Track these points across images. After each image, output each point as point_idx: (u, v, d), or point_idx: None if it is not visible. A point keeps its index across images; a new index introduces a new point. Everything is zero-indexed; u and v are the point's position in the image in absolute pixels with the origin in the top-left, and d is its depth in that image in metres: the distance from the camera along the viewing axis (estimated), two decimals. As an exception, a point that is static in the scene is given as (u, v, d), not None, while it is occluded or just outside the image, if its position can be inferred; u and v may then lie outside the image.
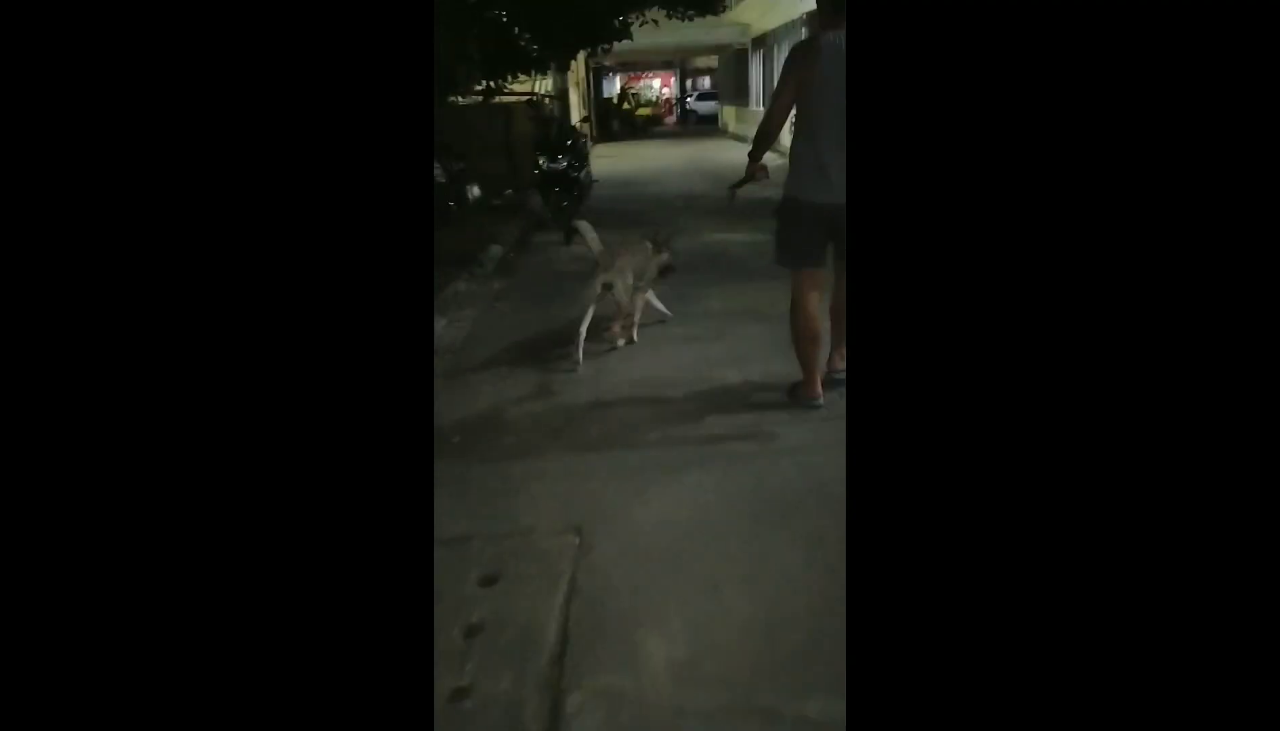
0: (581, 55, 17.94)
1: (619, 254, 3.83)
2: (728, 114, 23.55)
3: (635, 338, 3.96)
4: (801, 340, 2.97)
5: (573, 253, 5.20)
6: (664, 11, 9.85)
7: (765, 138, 2.90)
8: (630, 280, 3.77)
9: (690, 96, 26.99)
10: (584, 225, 3.99)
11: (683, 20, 10.84)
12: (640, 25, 9.95)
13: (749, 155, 2.99)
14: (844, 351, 3.08)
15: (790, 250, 2.92)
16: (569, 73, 18.68)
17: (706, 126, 24.36)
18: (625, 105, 23.69)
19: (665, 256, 4.12)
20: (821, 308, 2.95)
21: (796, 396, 3.04)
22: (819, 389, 2.98)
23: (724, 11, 12.56)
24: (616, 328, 3.92)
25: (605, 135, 21.67)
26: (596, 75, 22.28)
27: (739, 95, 21.74)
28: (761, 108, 18.43)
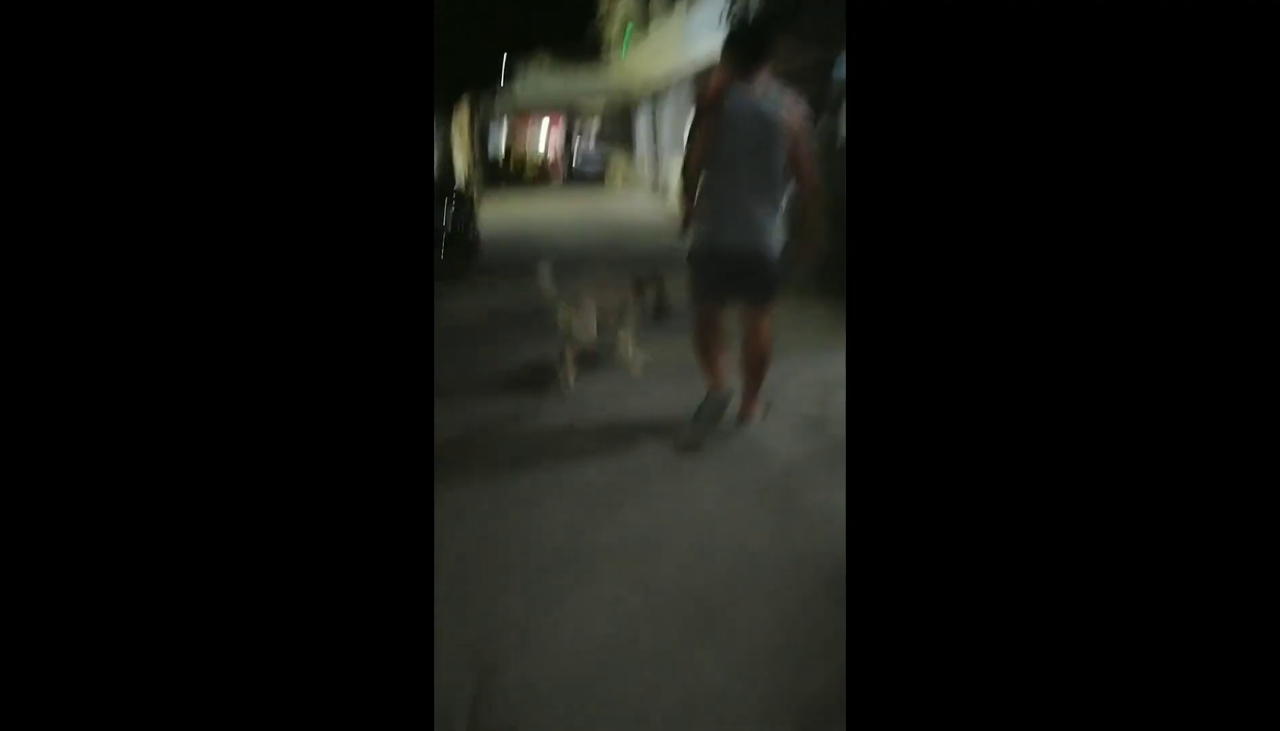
0: (465, 106, 17.41)
1: (584, 294, 3.95)
2: (615, 166, 23.35)
3: (639, 371, 4.02)
4: (706, 354, 3.26)
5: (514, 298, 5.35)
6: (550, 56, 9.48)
7: (688, 186, 3.06)
8: (592, 319, 3.85)
9: (577, 145, 26.66)
10: (542, 265, 4.04)
11: (568, 66, 10.48)
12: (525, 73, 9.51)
13: (681, 220, 3.18)
14: (754, 401, 3.30)
15: (700, 287, 3.14)
16: (452, 125, 18.26)
17: (594, 181, 24.05)
18: (511, 167, 23.16)
19: (652, 295, 4.10)
20: (719, 339, 3.24)
21: (710, 405, 3.23)
22: (724, 382, 3.26)
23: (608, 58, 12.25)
24: (568, 368, 3.90)
25: (492, 184, 20.97)
26: (483, 126, 21.59)
27: (627, 147, 21.55)
28: (648, 160, 18.33)
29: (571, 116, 28.81)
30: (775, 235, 2.98)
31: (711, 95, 2.90)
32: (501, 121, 27.13)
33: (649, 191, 17.10)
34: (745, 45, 2.92)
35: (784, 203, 3.00)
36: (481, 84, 9.30)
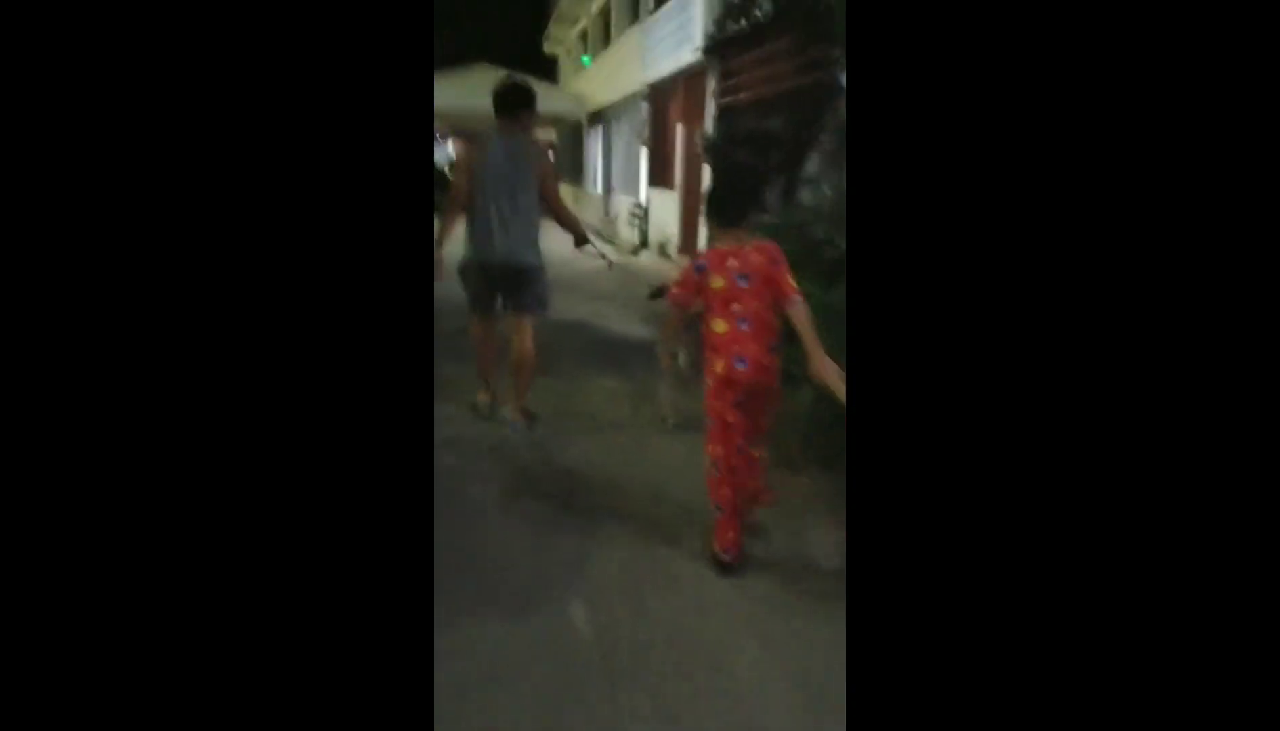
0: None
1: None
2: (565, 195, 22.15)
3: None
4: (483, 361, 3.93)
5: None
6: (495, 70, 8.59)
7: (445, 227, 3.61)
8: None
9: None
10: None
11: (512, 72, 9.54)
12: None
13: (435, 243, 3.55)
14: (519, 406, 3.86)
15: (471, 296, 3.71)
16: None
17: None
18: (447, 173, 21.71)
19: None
20: (493, 343, 3.88)
21: (480, 409, 3.98)
22: (494, 397, 3.99)
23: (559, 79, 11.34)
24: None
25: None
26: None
27: (575, 174, 20.46)
28: (599, 189, 17.28)
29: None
30: (533, 249, 3.58)
31: (472, 140, 3.63)
32: (444, 143, 25.83)
33: (599, 219, 15.95)
34: (509, 98, 3.54)
35: (539, 222, 3.60)
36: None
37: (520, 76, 3.83)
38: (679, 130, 10.34)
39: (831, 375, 2.24)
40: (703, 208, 3.04)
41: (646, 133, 12.31)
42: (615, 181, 15.65)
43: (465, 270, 3.64)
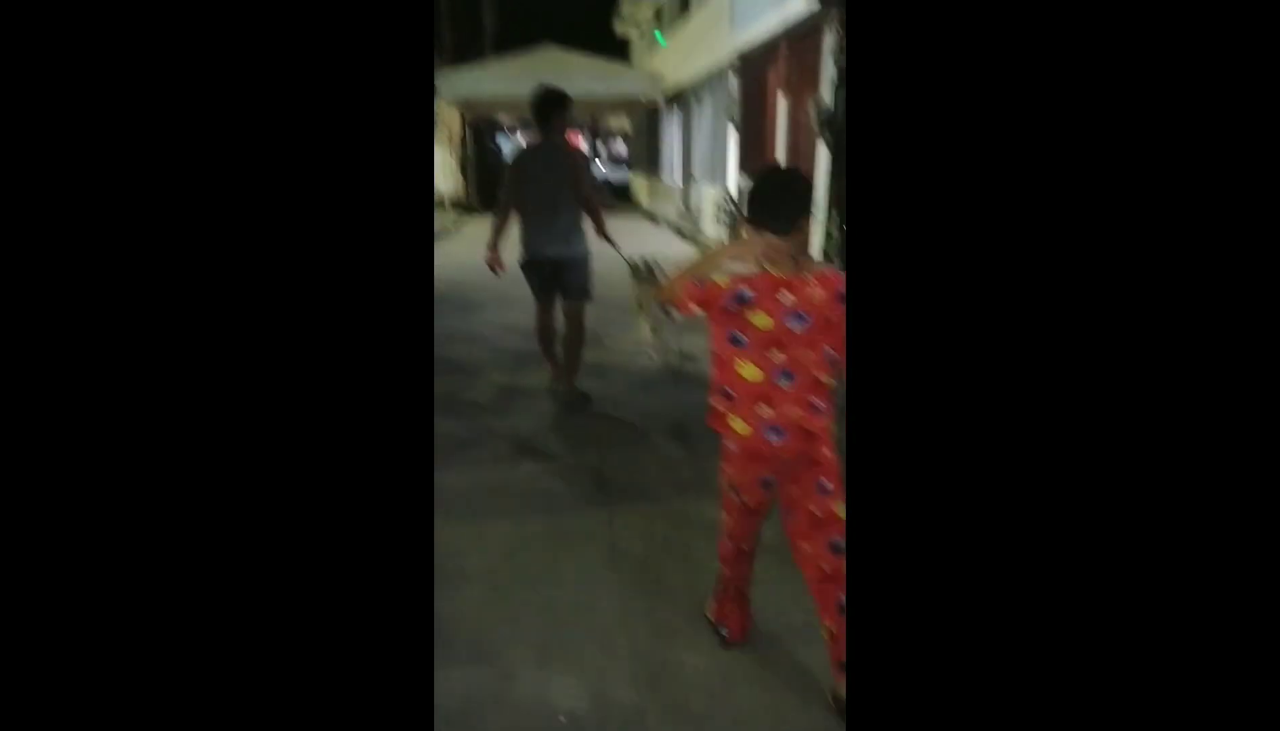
0: (447, 106, 14.79)
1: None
2: (638, 186, 20.53)
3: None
4: (545, 345, 4.31)
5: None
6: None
7: (497, 229, 4.10)
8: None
9: (599, 159, 23.85)
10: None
11: (578, 56, 8.48)
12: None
13: (488, 245, 4.10)
14: (571, 378, 4.25)
15: (533, 289, 4.12)
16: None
17: (619, 199, 21.18)
18: None
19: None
20: (552, 328, 4.27)
21: (555, 390, 4.39)
22: (555, 372, 4.37)
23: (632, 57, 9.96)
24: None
25: (488, 203, 18.24)
26: (477, 133, 18.73)
27: (651, 163, 18.76)
28: (677, 180, 15.59)
29: (596, 124, 26.01)
30: (575, 243, 3.99)
31: (515, 156, 4.14)
32: (511, 137, 24.57)
33: (678, 214, 14.21)
34: (540, 105, 3.91)
35: (579, 219, 4.00)
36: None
37: (550, 83, 4.09)
38: (782, 103, 8.55)
39: None
40: (743, 206, 2.24)
41: (736, 111, 10.59)
42: (697, 169, 13.92)
43: (524, 266, 4.07)
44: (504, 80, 13.02)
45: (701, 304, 1.83)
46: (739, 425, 1.84)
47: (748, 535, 2.01)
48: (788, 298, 1.78)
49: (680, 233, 12.39)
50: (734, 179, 10.80)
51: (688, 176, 14.65)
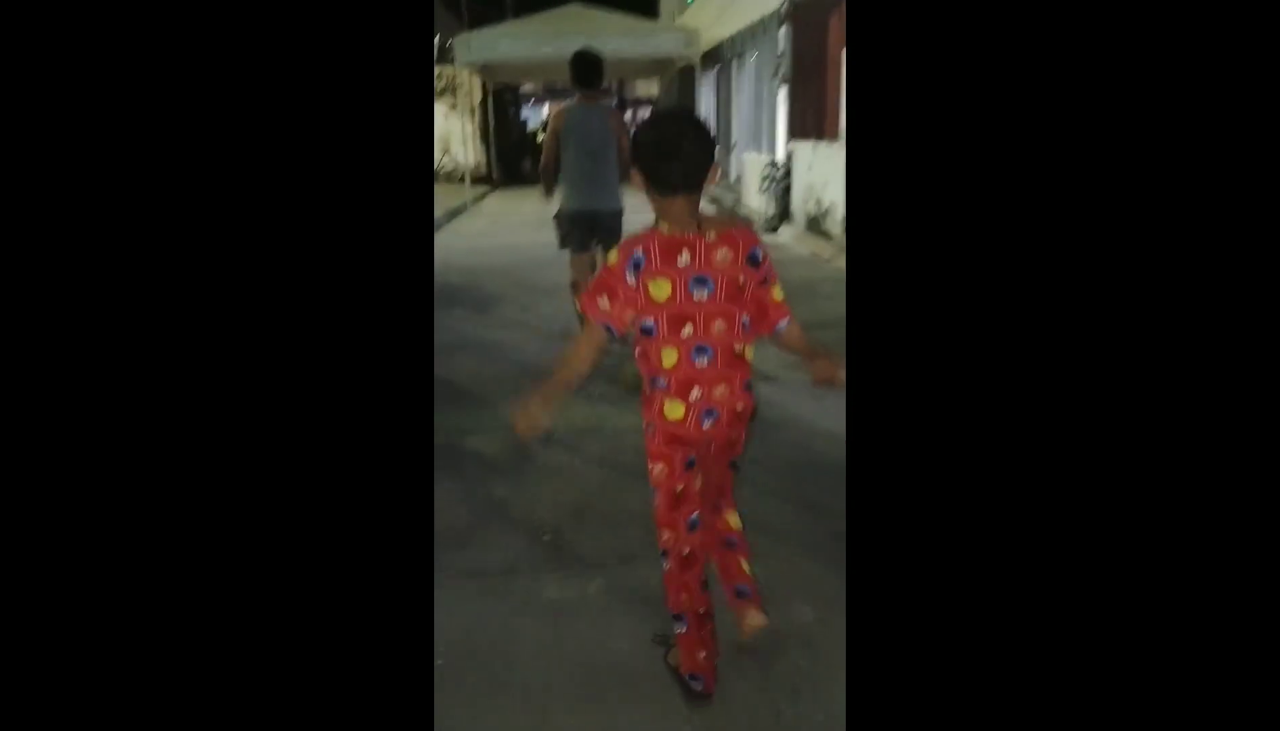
0: (468, 73, 13.80)
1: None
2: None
3: None
4: (578, 291, 4.43)
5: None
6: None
7: (546, 175, 4.55)
8: None
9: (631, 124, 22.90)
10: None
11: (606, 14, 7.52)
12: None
13: (545, 193, 4.63)
14: None
15: (570, 240, 4.48)
16: (446, 97, 15.70)
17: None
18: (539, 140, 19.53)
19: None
20: (589, 276, 4.30)
21: None
22: None
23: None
24: None
25: (511, 177, 17.37)
26: (500, 101, 17.71)
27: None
28: (718, 146, 14.45)
29: (623, 92, 24.83)
30: (613, 197, 4.42)
31: (558, 113, 4.44)
32: (539, 106, 23.51)
33: (718, 184, 13.11)
34: (580, 71, 4.33)
35: (617, 175, 4.38)
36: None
37: (590, 48, 4.41)
38: (845, 59, 7.44)
39: (840, 372, 1.68)
40: (634, 162, 1.63)
41: (786, 68, 9.43)
42: (739, 135, 12.77)
43: (559, 217, 4.49)
44: (527, 42, 11.95)
45: (614, 295, 1.61)
46: (666, 408, 1.68)
47: (686, 533, 1.81)
48: (686, 259, 1.60)
49: (719, 205, 11.32)
50: (782, 145, 9.70)
51: (726, 143, 13.50)
